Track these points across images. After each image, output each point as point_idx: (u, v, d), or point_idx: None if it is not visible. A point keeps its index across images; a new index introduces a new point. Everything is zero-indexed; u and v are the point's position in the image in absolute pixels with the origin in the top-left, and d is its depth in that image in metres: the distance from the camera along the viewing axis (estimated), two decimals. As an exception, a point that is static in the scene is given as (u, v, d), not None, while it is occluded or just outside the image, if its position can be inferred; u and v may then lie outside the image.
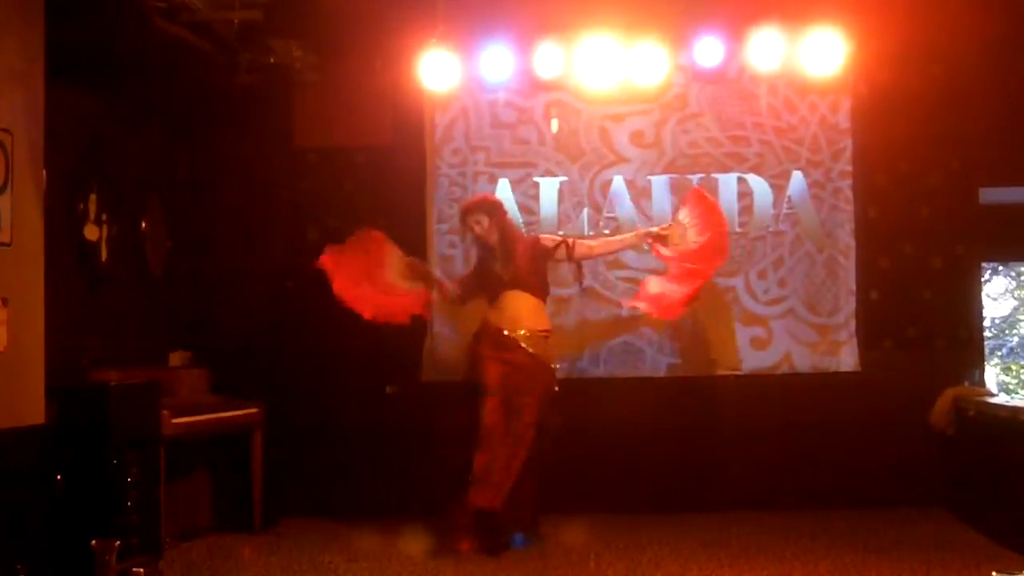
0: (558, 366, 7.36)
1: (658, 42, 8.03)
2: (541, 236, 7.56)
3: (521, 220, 8.44)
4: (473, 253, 7.63)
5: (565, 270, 7.83)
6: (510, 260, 7.14)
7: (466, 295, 7.47)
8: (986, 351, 10.61)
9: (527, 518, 7.10)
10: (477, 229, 7.18)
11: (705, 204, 7.45)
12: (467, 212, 7.29)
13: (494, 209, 7.28)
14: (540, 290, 7.24)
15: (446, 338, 8.51)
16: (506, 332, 7.05)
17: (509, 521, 6.93)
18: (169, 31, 6.67)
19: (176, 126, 8.37)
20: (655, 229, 7.45)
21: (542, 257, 7.28)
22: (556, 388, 7.18)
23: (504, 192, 8.49)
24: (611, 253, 7.93)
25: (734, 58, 8.26)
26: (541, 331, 7.14)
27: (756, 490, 8.14)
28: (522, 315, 7.09)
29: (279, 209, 8.66)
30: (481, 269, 7.32)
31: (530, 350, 7.04)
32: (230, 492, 7.75)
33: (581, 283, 7.88)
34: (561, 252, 7.32)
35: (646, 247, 7.60)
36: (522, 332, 7.05)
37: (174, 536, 6.93)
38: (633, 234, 7.73)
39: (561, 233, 7.92)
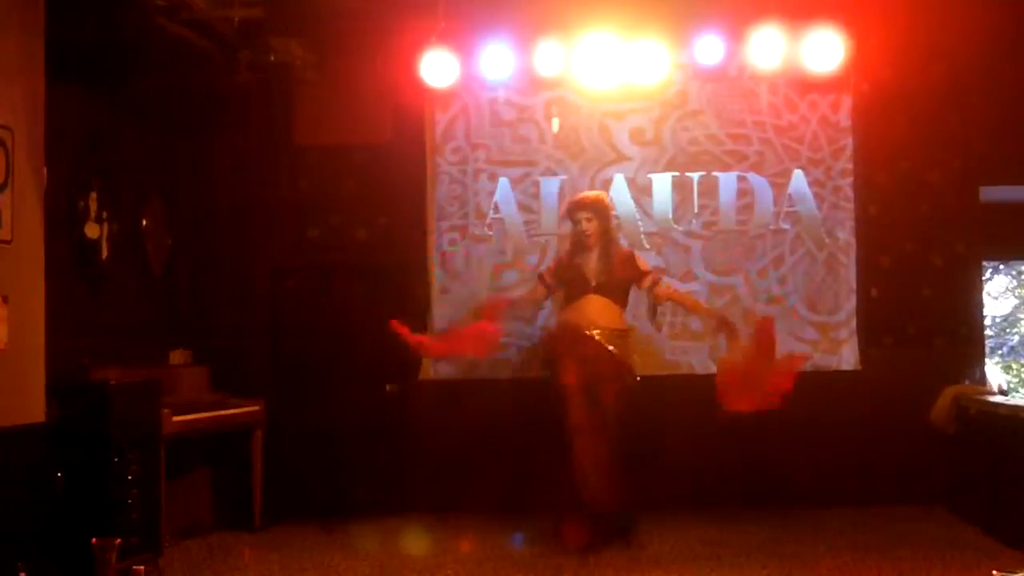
0: (639, 377, 7.23)
1: (658, 40, 8.03)
2: (637, 254, 7.51)
3: (523, 219, 8.47)
4: (563, 248, 7.62)
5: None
6: (605, 265, 7.14)
7: (552, 289, 7.43)
8: (987, 350, 10.58)
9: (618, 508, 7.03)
10: (585, 226, 7.15)
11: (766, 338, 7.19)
12: (578, 208, 7.24)
13: (604, 211, 7.28)
14: (621, 300, 7.21)
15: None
16: (584, 330, 6.99)
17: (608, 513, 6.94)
18: (169, 29, 6.68)
19: (177, 124, 8.37)
20: (735, 325, 7.30)
21: (632, 273, 7.25)
22: (638, 378, 7.15)
23: (504, 191, 8.50)
24: (689, 308, 7.82)
25: (735, 56, 8.25)
26: (618, 329, 7.09)
27: (756, 488, 8.13)
28: (599, 315, 7.04)
29: (279, 207, 8.66)
30: (570, 264, 7.26)
31: (608, 346, 6.98)
32: (230, 490, 7.76)
33: (654, 320, 7.70)
34: (647, 282, 7.29)
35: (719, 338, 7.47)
36: (598, 330, 6.99)
37: (174, 534, 6.95)
38: (713, 311, 7.72)
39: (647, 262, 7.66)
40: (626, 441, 7.00)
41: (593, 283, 7.10)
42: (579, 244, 7.23)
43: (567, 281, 7.26)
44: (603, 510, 6.89)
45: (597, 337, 6.98)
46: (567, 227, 7.57)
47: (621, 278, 7.20)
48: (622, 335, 7.12)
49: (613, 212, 7.55)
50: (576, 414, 6.92)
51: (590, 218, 7.15)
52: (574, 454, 6.89)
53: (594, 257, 7.17)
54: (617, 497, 6.94)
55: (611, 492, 6.89)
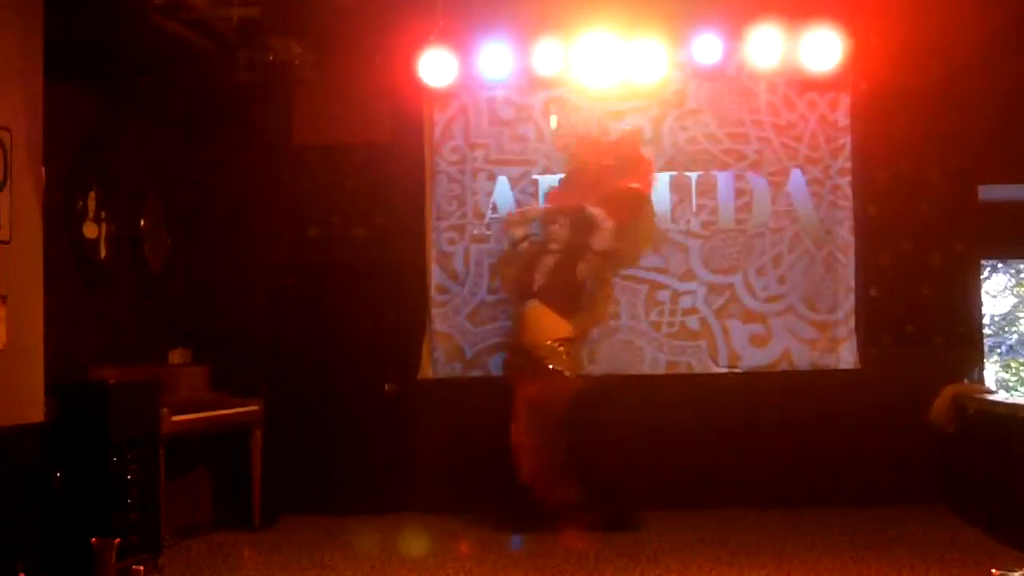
0: (567, 372, 7.54)
1: (657, 39, 8.03)
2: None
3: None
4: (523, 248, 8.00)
5: None
6: (556, 274, 7.54)
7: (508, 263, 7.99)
8: (985, 349, 10.59)
9: (612, 511, 7.36)
10: (555, 231, 7.66)
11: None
12: (558, 213, 7.71)
13: (584, 226, 7.70)
14: (565, 306, 7.57)
15: (445, 337, 8.51)
16: (526, 347, 7.44)
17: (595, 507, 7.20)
18: (168, 28, 6.67)
19: (175, 124, 8.36)
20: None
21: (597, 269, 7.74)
22: (575, 382, 7.45)
23: (502, 190, 8.50)
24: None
25: (733, 55, 8.25)
26: (558, 340, 7.42)
27: (755, 487, 8.13)
28: (540, 326, 7.41)
29: (278, 206, 8.66)
30: (526, 267, 7.67)
31: (547, 364, 7.35)
32: (230, 489, 7.76)
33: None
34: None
35: None
36: (541, 347, 7.39)
37: (174, 534, 6.94)
38: None
39: None
40: (579, 441, 7.32)
41: (535, 288, 7.50)
42: (539, 253, 7.67)
43: (518, 278, 7.76)
44: (555, 506, 7.12)
45: (540, 354, 7.37)
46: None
47: (573, 285, 7.60)
48: (566, 343, 7.46)
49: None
50: (517, 434, 7.30)
51: (563, 224, 7.62)
52: (517, 465, 7.26)
53: (549, 263, 7.51)
54: (573, 491, 7.15)
55: (566, 489, 7.13)
